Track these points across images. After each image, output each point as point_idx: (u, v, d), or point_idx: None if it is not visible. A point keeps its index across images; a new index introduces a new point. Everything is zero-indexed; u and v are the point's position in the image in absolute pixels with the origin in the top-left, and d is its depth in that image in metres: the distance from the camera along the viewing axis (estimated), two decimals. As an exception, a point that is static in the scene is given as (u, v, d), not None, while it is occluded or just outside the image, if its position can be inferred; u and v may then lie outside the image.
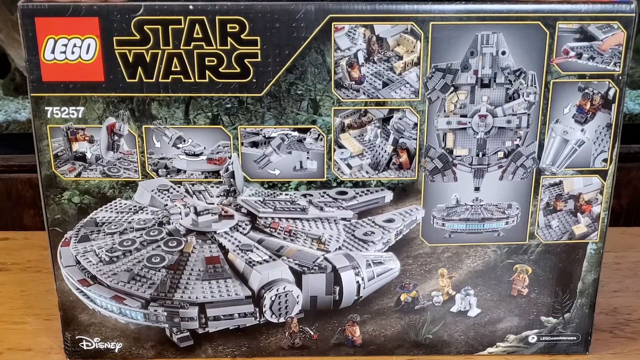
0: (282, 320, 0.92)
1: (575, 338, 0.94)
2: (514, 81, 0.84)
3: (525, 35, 0.81)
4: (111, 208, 0.88)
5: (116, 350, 0.93)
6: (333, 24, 0.81)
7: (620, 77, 0.83)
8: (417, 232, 0.89)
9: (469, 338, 0.94)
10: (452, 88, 0.84)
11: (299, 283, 0.90)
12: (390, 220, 0.89)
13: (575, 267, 0.91)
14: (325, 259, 0.90)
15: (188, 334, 0.92)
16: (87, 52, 0.82)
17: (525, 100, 0.84)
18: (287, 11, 0.80)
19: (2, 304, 1.04)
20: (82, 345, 0.93)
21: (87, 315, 0.92)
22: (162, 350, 0.93)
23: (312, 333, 0.93)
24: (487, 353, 0.95)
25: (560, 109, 0.84)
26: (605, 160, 0.87)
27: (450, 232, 0.89)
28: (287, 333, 0.92)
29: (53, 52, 0.82)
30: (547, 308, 0.93)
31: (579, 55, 0.83)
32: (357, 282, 0.91)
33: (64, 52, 0.82)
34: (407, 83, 0.84)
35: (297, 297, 0.91)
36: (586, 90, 0.84)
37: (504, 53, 0.82)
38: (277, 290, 0.90)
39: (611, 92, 0.84)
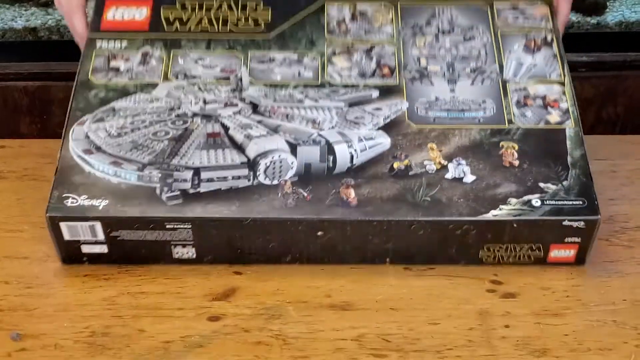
0: (275, 182, 0.93)
1: (581, 202, 0.91)
2: (468, 30, 1.10)
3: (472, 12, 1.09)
4: (130, 99, 1.02)
5: (100, 207, 0.91)
6: (326, 4, 1.12)
7: (552, 29, 1.07)
8: (403, 117, 1.00)
9: (470, 201, 0.91)
10: (420, 33, 1.09)
11: (293, 153, 0.96)
12: (378, 109, 1.01)
13: (560, 145, 0.96)
14: (320, 135, 0.98)
15: (178, 192, 0.92)
16: (139, 15, 1.12)
17: (480, 41, 1.07)
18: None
19: (-2, 212, 0.99)
20: (67, 202, 0.91)
21: (82, 177, 0.93)
22: (147, 209, 0.91)
23: (305, 194, 0.92)
24: (491, 216, 0.91)
25: (511, 47, 1.06)
26: (559, 75, 1.04)
27: (434, 117, 1.00)
28: (280, 194, 0.92)
29: (114, 16, 1.12)
30: (544, 176, 0.93)
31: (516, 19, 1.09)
32: (350, 153, 0.96)
33: (122, 16, 1.12)
34: (384, 32, 1.10)
35: (292, 163, 0.95)
36: (528, 36, 1.09)
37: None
38: (272, 157, 0.95)
39: (549, 37, 1.09)
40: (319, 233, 0.90)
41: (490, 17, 1.09)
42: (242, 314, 0.88)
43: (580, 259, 0.93)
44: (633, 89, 1.41)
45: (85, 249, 0.92)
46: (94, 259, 0.93)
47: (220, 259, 0.93)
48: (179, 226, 0.90)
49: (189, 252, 0.92)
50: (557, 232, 0.90)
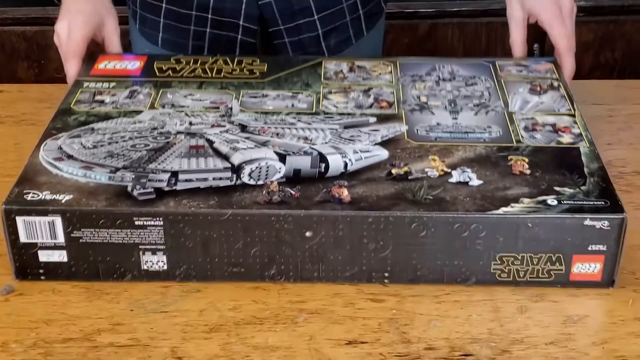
0: (260, 183, 0.85)
1: (603, 203, 0.82)
2: (470, 78, 1.06)
3: (473, 66, 1.06)
4: (112, 121, 0.96)
5: (63, 201, 0.82)
6: (324, 61, 1.10)
7: (558, 78, 1.02)
8: (402, 137, 0.93)
9: (477, 199, 0.83)
10: (419, 80, 1.05)
11: (282, 161, 0.89)
12: (375, 130, 0.95)
13: (575, 159, 0.89)
14: (312, 148, 0.91)
15: (152, 190, 0.84)
16: (132, 66, 1.09)
17: (483, 86, 1.02)
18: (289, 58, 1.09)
19: (-5, 158, 0.97)
20: (27, 197, 0.83)
21: (48, 178, 0.85)
22: (116, 202, 0.83)
23: (292, 192, 0.84)
24: (502, 212, 0.81)
25: (515, 89, 1.01)
26: (568, 110, 0.99)
27: (436, 137, 0.93)
28: (264, 192, 0.84)
29: (105, 66, 1.09)
30: (559, 182, 0.85)
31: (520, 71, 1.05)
32: (345, 161, 0.88)
33: (114, 66, 1.09)
34: (383, 79, 1.06)
35: (279, 168, 0.87)
36: (534, 82, 1.05)
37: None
38: (259, 163, 0.88)
39: (555, 84, 1.04)
40: (308, 234, 0.80)
41: (493, 70, 1.04)
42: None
43: (608, 277, 0.81)
44: (631, 34, 1.38)
45: (43, 256, 0.81)
46: (51, 271, 0.82)
47: (195, 270, 0.82)
48: (149, 223, 0.80)
49: (160, 261, 0.82)
50: (579, 237, 0.79)
